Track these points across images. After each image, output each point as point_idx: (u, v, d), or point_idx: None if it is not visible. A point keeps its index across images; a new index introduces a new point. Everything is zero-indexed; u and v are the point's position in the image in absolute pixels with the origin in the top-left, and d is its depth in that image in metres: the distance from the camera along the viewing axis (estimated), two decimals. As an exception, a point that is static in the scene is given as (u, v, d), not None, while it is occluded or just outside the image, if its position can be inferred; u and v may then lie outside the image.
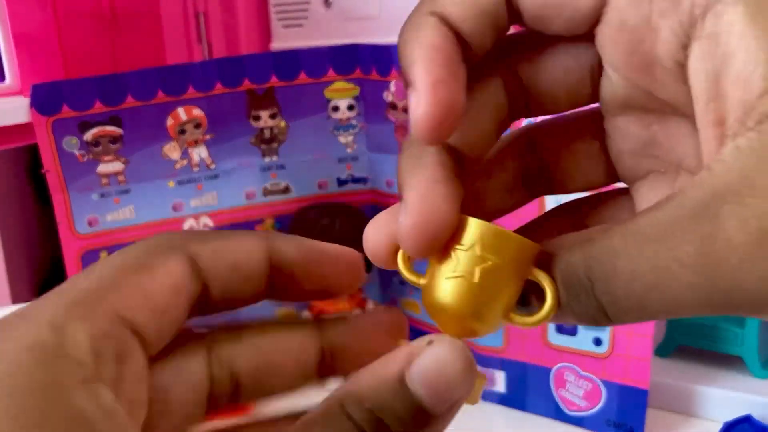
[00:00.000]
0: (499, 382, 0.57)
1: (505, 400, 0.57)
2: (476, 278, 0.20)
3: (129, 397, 0.18)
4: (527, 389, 0.56)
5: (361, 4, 0.65)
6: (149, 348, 0.19)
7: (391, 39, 0.61)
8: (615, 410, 0.52)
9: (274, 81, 0.61)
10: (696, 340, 0.57)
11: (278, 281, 0.22)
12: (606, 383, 0.52)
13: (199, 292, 0.21)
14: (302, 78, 0.62)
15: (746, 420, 0.50)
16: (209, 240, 0.22)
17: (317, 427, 0.19)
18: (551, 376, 0.55)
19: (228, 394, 0.22)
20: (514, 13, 0.20)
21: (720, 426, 0.50)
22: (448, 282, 0.20)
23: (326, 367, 0.23)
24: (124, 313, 0.18)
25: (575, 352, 0.53)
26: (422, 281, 0.21)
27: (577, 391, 0.53)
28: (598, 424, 0.53)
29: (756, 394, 0.53)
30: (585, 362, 0.53)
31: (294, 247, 0.22)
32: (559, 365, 0.54)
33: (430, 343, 0.20)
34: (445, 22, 0.19)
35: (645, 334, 0.50)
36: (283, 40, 0.71)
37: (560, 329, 0.54)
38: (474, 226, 0.20)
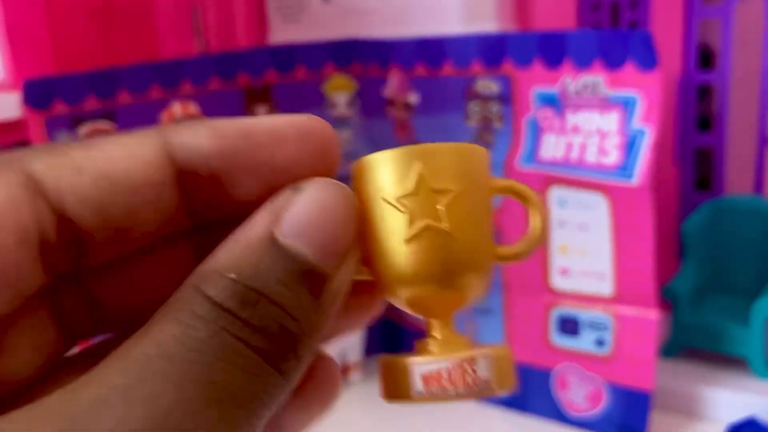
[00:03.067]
0: (500, 383, 0.57)
1: (505, 402, 0.57)
2: (444, 220, 0.16)
3: None
4: (528, 391, 0.55)
5: (360, -2, 0.65)
6: None
7: (390, 33, 0.60)
8: (618, 412, 0.51)
9: (271, 76, 0.60)
10: (700, 341, 0.56)
11: (198, 192, 0.16)
12: (609, 385, 0.51)
13: (56, 229, 0.14)
14: (300, 73, 0.61)
15: (751, 421, 0.50)
16: (68, 150, 0.15)
17: (169, 314, 0.14)
18: (553, 377, 0.54)
19: (66, 245, 0.15)
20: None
21: (724, 427, 0.49)
22: (410, 245, 0.16)
23: (199, 201, 0.16)
24: None
25: (578, 353, 0.52)
26: (364, 275, 0.17)
27: (580, 393, 0.53)
28: (601, 426, 0.52)
29: (761, 395, 0.52)
30: (588, 363, 0.52)
31: (205, 135, 0.16)
32: (561, 366, 0.53)
33: (297, 190, 0.15)
34: None
35: (649, 335, 0.49)
36: (281, 34, 0.70)
37: (563, 329, 0.53)
38: (406, 157, 0.16)
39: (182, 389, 0.13)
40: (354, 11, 0.65)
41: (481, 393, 0.16)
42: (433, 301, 0.16)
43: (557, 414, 0.54)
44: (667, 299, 0.56)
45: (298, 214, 0.15)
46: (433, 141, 0.60)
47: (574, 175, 0.49)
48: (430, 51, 0.55)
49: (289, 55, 0.61)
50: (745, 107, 0.61)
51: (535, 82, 0.51)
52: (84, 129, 0.56)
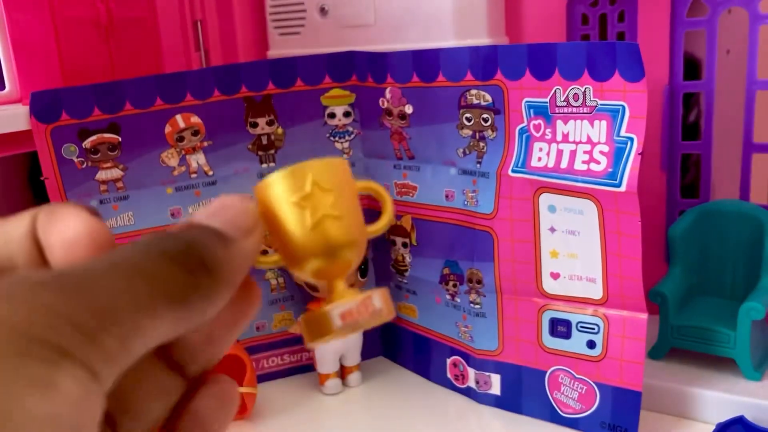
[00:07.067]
0: (494, 384, 0.58)
1: (500, 402, 0.58)
2: (334, 210, 0.22)
3: None
4: (522, 392, 0.57)
5: (357, 12, 0.66)
6: None
7: (386, 47, 0.61)
8: (609, 412, 0.52)
9: (271, 88, 0.62)
10: (689, 342, 0.57)
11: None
12: (600, 386, 0.53)
13: None
14: (299, 85, 0.62)
15: (739, 421, 0.51)
16: None
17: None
18: (546, 378, 0.55)
19: None
20: None
21: (713, 428, 0.51)
22: (313, 231, 0.22)
23: None
24: None
25: (569, 355, 0.54)
26: (273, 257, 0.23)
27: (572, 394, 0.54)
28: (592, 426, 0.53)
29: (748, 395, 0.53)
30: (579, 365, 0.53)
31: (74, 221, 0.19)
32: (553, 368, 0.55)
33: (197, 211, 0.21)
34: None
35: (638, 337, 0.50)
36: (280, 48, 0.71)
37: (555, 332, 0.54)
38: (300, 173, 0.22)
39: (113, 269, 0.17)
40: (351, 25, 0.67)
41: (377, 320, 0.22)
42: (331, 268, 0.22)
43: (550, 414, 0.55)
44: (654, 302, 0.57)
45: (205, 211, 0.20)
46: (428, 149, 0.61)
47: (564, 182, 0.50)
48: (425, 63, 0.57)
49: (289, 68, 0.62)
50: (730, 115, 0.63)
51: (526, 93, 0.52)
52: (89, 141, 0.57)
